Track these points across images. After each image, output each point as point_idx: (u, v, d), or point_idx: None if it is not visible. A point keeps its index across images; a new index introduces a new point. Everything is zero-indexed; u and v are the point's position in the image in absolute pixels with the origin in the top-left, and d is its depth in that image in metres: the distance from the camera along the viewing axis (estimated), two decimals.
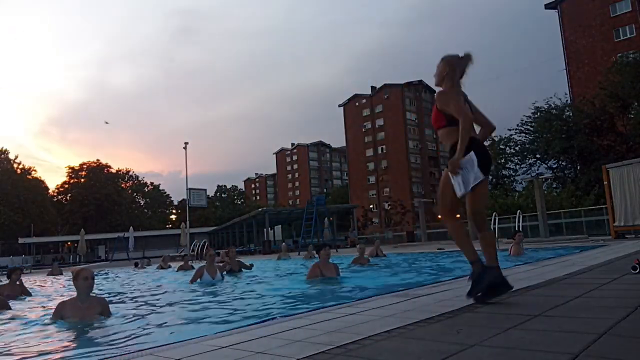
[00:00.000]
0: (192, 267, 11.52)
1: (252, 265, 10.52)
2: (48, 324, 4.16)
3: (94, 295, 4.35)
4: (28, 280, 13.42)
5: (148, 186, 76.31)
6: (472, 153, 3.06)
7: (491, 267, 3.21)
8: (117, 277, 13.39)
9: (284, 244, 21.36)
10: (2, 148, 57.25)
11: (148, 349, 2.44)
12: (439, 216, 3.47)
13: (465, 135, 3.06)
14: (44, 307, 5.87)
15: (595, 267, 5.33)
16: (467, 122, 3.08)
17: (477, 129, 3.36)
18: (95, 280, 4.23)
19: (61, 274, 15.61)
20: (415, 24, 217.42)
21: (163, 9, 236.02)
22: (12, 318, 5.02)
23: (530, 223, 20.58)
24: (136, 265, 18.50)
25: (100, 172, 64.93)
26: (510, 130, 37.17)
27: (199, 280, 7.83)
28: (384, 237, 35.16)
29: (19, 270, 8.00)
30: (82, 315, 4.02)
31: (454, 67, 3.32)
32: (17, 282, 7.64)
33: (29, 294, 7.78)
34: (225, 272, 9.43)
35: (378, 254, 12.57)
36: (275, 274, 9.60)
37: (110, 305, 4.50)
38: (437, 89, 3.39)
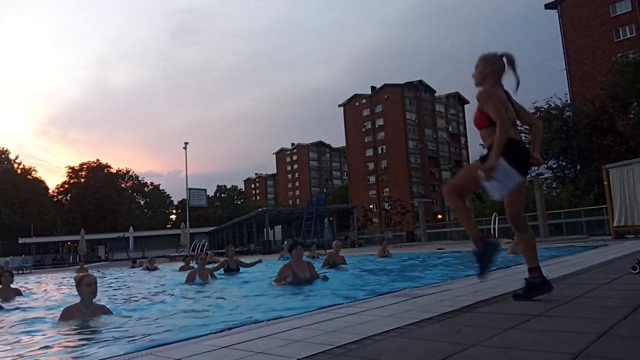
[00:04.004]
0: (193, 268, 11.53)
1: (260, 260, 10.46)
2: (50, 326, 4.17)
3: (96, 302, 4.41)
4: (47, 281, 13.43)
5: (148, 186, 76.36)
6: (501, 159, 2.91)
7: (532, 269, 3.16)
8: (116, 277, 13.39)
9: (285, 242, 21.35)
10: (2, 148, 57.42)
11: (148, 349, 2.44)
12: (444, 194, 3.33)
13: (501, 140, 2.91)
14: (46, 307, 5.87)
15: (595, 267, 5.33)
16: (504, 127, 2.93)
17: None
18: (97, 287, 4.28)
19: (87, 271, 15.68)
20: (415, 24, 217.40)
21: (163, 8, 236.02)
22: (13, 317, 5.02)
23: (531, 223, 20.40)
24: (134, 262, 18.69)
25: (100, 172, 65.01)
26: None
27: (190, 282, 7.83)
28: (384, 237, 35.10)
29: (9, 273, 7.41)
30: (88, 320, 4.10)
31: (495, 65, 3.19)
32: (11, 284, 7.23)
33: (21, 294, 7.41)
34: (222, 270, 9.45)
35: (385, 254, 12.52)
36: (265, 275, 9.41)
37: (109, 306, 4.56)
38: (477, 89, 3.23)
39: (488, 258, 3.11)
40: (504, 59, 3.20)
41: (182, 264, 13.91)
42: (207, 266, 8.69)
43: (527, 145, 3.28)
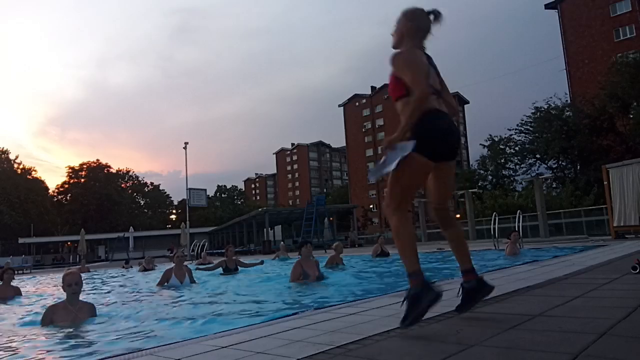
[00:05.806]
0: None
1: (262, 262, 10.32)
2: (45, 326, 4.16)
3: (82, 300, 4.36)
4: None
5: (148, 186, 76.41)
6: (413, 141, 2.40)
7: (467, 272, 2.73)
8: (112, 277, 13.37)
9: (282, 243, 21.32)
10: (2, 148, 57.45)
11: (148, 349, 2.44)
12: (385, 210, 2.68)
13: (415, 112, 2.40)
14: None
15: (595, 267, 5.33)
16: (421, 98, 2.39)
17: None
18: (80, 286, 4.20)
19: (89, 271, 15.79)
20: None
21: (162, 7, 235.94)
22: (9, 318, 5.02)
23: (530, 223, 20.57)
24: (127, 262, 18.77)
25: (100, 172, 65.03)
26: (510, 130, 37.27)
27: (166, 283, 7.54)
28: (381, 234, 35.02)
29: (11, 270, 7.84)
30: (74, 318, 4.04)
31: (417, 23, 2.66)
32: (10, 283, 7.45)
33: (20, 293, 7.60)
34: (221, 269, 9.42)
35: (383, 250, 12.36)
36: (265, 275, 9.34)
37: (107, 306, 4.53)
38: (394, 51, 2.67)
39: (423, 307, 2.44)
40: (431, 16, 2.66)
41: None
42: (201, 266, 8.57)
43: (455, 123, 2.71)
